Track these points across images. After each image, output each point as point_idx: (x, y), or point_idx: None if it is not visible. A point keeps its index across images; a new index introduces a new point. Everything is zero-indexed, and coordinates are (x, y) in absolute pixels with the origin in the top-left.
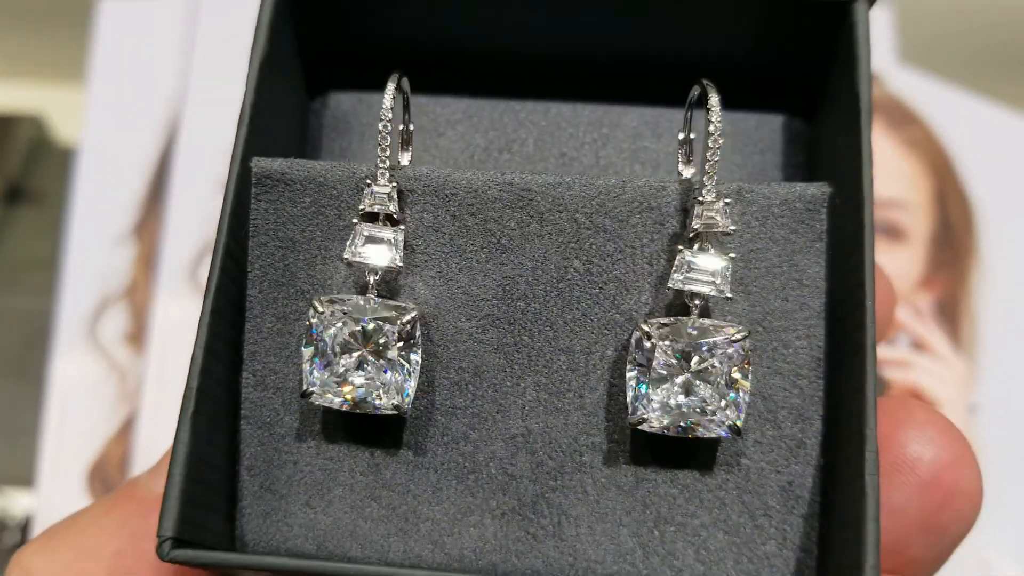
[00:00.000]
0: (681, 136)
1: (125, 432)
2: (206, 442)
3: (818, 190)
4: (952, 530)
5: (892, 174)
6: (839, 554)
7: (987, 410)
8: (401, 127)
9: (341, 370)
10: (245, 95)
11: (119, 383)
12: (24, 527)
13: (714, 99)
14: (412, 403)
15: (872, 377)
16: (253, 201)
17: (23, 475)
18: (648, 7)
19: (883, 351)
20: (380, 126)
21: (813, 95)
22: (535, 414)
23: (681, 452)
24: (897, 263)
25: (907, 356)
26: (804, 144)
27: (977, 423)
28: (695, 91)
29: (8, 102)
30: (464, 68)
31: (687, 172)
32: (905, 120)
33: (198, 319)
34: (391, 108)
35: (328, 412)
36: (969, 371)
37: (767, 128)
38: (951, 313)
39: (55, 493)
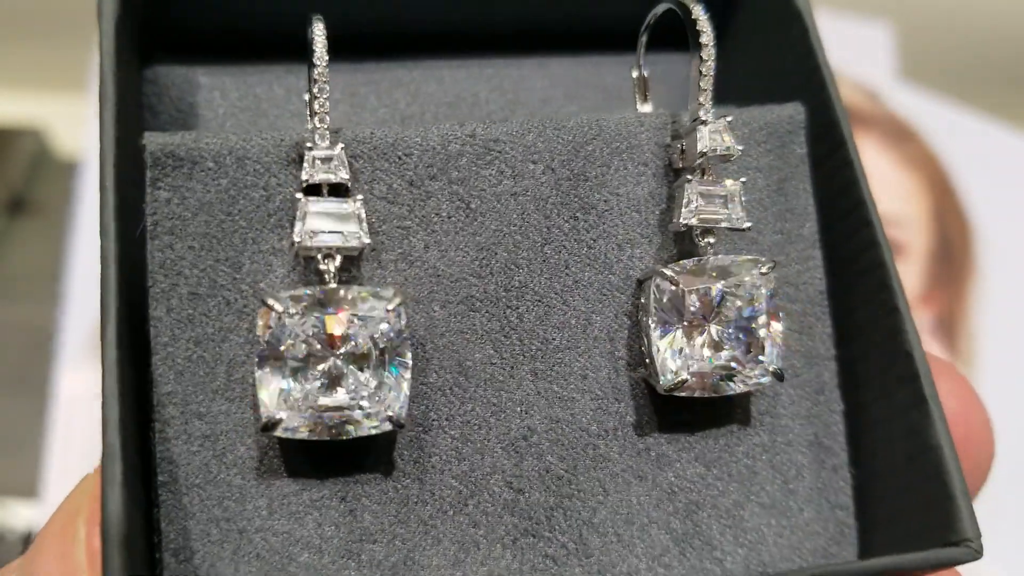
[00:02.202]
0: (635, 73)
1: None
2: (131, 525)
3: (794, 110)
4: (968, 482)
5: (890, 191)
6: (892, 499)
7: None
8: (306, 95)
9: (309, 386)
10: (103, 62)
11: None
12: (26, 539)
13: (698, 9)
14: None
15: (901, 293)
16: (149, 190)
17: (24, 487)
18: None
19: None
20: (315, 74)
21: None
22: (536, 409)
23: (703, 422)
24: None
25: None
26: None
27: None
28: (658, 9)
29: (10, 114)
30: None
31: (645, 110)
32: (903, 137)
33: (100, 357)
34: (325, 52)
35: (281, 455)
36: None
37: (675, 70)
38: (949, 328)
39: None
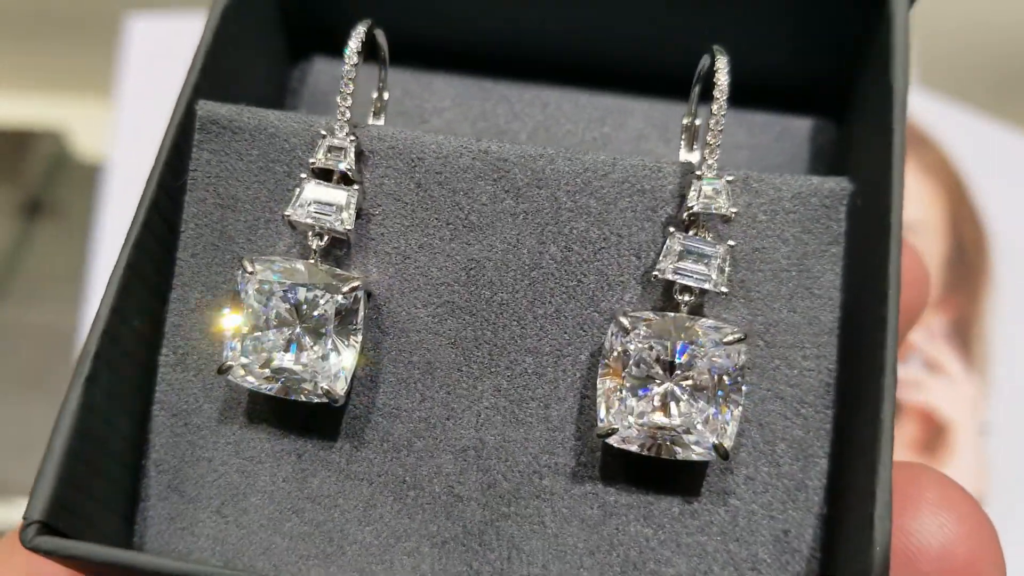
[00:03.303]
0: (686, 120)
1: None
2: (104, 422)
3: (837, 185)
4: None
5: (906, 197)
6: None
7: (999, 430)
8: (375, 94)
9: (269, 345)
10: (202, 37)
11: None
12: None
13: (722, 61)
14: (350, 396)
15: (889, 404)
16: (195, 149)
17: None
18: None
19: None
20: (344, 69)
21: (844, 98)
22: (491, 424)
23: (659, 483)
24: None
25: (920, 377)
26: (833, 149)
27: (988, 443)
28: (704, 61)
29: (29, 116)
30: (456, 48)
31: (689, 158)
32: (920, 143)
33: (109, 276)
34: (357, 53)
35: (254, 403)
36: (981, 391)
37: (794, 132)
38: (964, 334)
39: None
